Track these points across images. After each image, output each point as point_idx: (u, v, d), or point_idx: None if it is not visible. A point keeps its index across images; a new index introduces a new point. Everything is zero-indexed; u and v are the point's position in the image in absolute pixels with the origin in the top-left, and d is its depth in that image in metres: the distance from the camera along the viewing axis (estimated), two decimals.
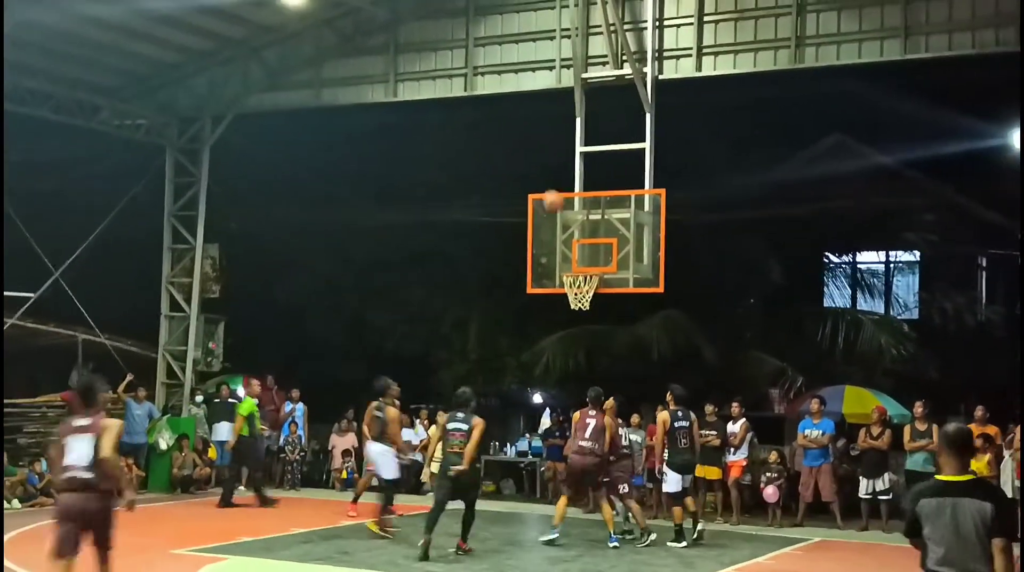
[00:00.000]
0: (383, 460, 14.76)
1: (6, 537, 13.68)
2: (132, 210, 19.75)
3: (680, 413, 14.55)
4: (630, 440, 15.46)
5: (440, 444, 13.51)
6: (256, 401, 17.79)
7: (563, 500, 14.21)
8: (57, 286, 19.10)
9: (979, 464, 14.90)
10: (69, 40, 17.13)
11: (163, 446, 18.92)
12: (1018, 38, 14.02)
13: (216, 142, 19.96)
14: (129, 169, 20.38)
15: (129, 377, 19.18)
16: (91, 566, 8.99)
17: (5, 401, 18.10)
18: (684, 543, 13.97)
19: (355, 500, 16.13)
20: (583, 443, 13.91)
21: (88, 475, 8.80)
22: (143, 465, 18.78)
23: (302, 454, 20.01)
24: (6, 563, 12.09)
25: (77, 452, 8.84)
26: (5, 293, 18.41)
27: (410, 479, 18.22)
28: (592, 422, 13.94)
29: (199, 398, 20.18)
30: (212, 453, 19.53)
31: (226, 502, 17.23)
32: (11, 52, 16.38)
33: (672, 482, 14.44)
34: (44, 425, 18.57)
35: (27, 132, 19.80)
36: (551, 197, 15.22)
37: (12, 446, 17.69)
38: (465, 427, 13.03)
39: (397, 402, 15.11)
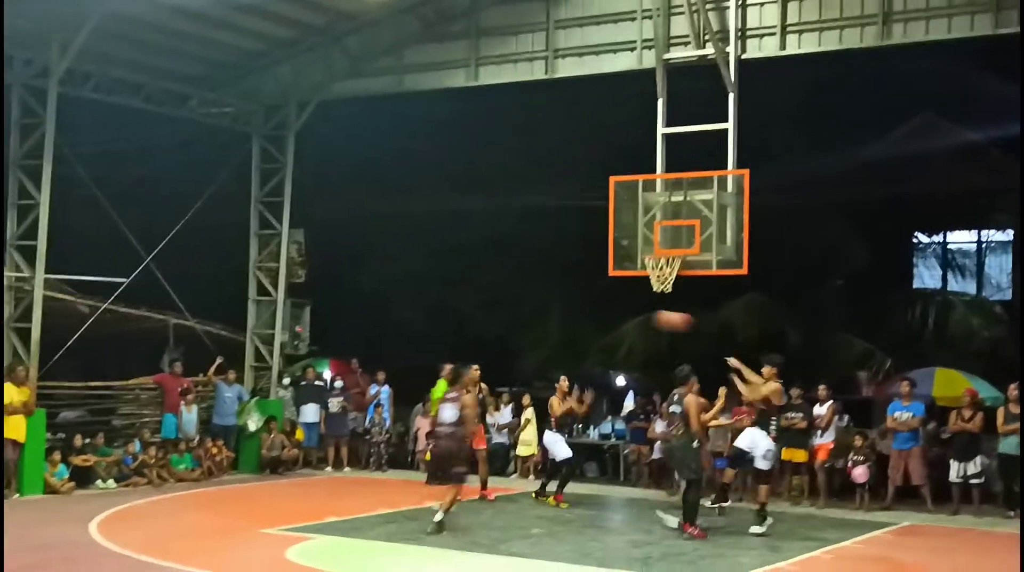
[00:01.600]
0: (556, 444, 16.01)
1: (102, 516, 14.09)
2: (220, 196, 20.09)
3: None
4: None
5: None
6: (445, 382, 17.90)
7: None
8: (148, 272, 19.52)
9: None
10: (157, 30, 17.44)
11: (252, 428, 19.27)
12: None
13: (301, 129, 20.21)
14: (217, 156, 20.72)
15: (219, 360, 19.57)
16: None
17: (100, 384, 18.64)
18: (763, 528, 13.59)
19: (484, 485, 16.31)
20: None
21: (453, 429, 13.37)
22: (233, 446, 19.14)
23: (387, 436, 20.22)
24: (102, 540, 12.46)
25: (447, 414, 13.47)
26: (98, 279, 18.90)
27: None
28: None
29: (286, 381, 20.51)
30: (299, 435, 19.85)
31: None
32: (101, 43, 16.78)
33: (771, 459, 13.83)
34: (137, 407, 18.99)
35: (117, 122, 20.28)
36: (666, 318, 15.28)
37: (107, 428, 18.17)
38: (679, 409, 13.53)
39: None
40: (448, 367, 17.50)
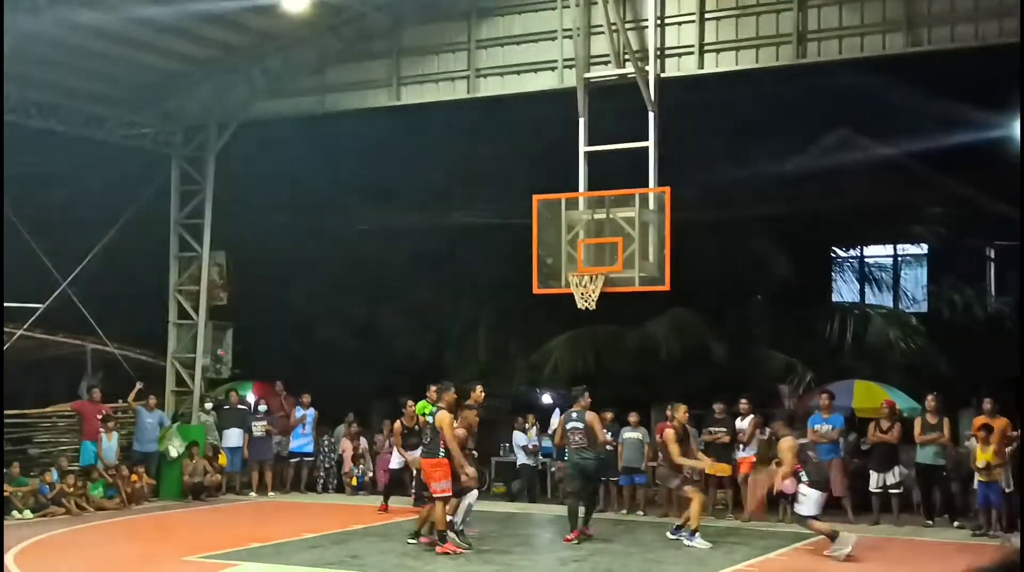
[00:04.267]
0: None
1: (18, 547, 13.74)
2: (139, 219, 19.77)
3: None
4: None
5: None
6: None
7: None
8: (65, 296, 19.14)
9: (986, 455, 14.87)
10: (73, 52, 17.16)
11: (174, 454, 18.95)
12: (1020, 29, 13.98)
13: (221, 150, 19.98)
14: (135, 179, 20.41)
15: (139, 386, 19.22)
16: None
17: (16, 412, 18.20)
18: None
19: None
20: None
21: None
22: (154, 473, 18.80)
23: (310, 458, 20.07)
24: None
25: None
26: (13, 305, 18.49)
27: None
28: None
29: (209, 405, 20.18)
30: (222, 460, 19.54)
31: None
32: (16, 65, 16.42)
33: (810, 504, 13.42)
34: (55, 435, 18.56)
35: (34, 145, 19.86)
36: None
37: (23, 457, 17.73)
38: (581, 425, 14.25)
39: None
40: (433, 388, 17.23)
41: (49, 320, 19.11)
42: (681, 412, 14.63)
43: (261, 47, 18.54)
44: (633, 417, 17.10)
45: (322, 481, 20.05)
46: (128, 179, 20.57)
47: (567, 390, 22.39)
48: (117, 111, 19.29)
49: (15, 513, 16.44)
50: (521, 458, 19.20)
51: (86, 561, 13.13)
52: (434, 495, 13.34)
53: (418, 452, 14.82)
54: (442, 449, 13.29)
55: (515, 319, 23.26)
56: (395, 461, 17.68)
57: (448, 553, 13.07)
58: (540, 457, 19.48)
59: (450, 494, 13.41)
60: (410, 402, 16.74)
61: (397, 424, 16.98)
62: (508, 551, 13.58)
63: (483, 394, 15.79)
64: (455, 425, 13.69)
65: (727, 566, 12.69)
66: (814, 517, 13.54)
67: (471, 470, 13.49)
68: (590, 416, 14.46)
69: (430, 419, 13.96)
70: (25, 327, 18.54)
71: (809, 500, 13.43)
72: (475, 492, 13.73)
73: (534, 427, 19.38)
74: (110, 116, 19.20)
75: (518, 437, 19.19)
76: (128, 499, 17.86)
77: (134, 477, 18.17)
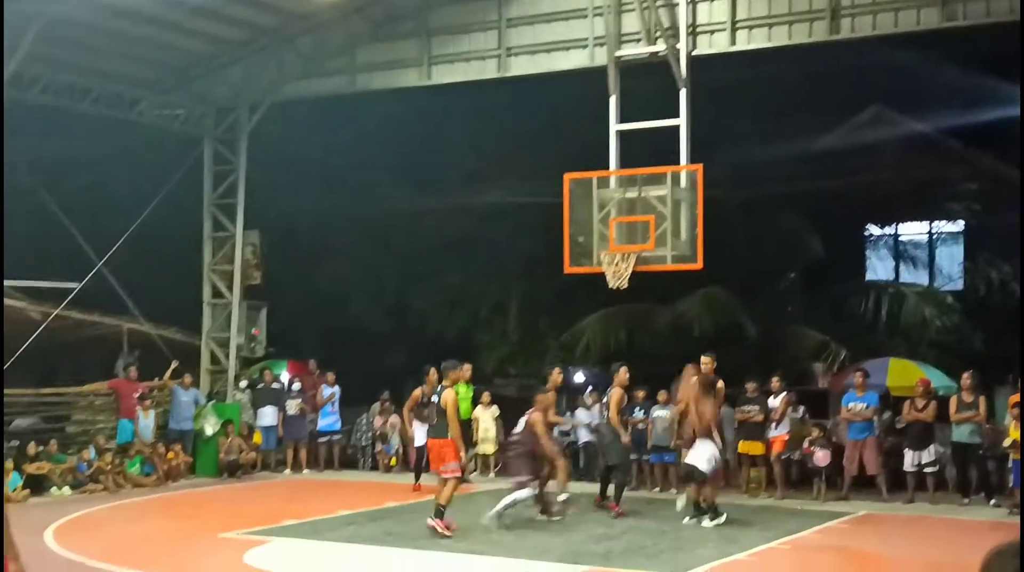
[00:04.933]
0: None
1: (57, 524, 13.93)
2: (173, 200, 19.91)
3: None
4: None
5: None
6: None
7: None
8: (101, 277, 19.31)
9: (1017, 433, 14.75)
10: (105, 34, 17.27)
11: (209, 432, 19.14)
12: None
13: (253, 130, 20.07)
14: (169, 159, 20.55)
15: (174, 364, 19.41)
16: None
17: (54, 390, 18.45)
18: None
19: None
20: None
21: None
22: (190, 451, 19.00)
23: (339, 436, 20.21)
24: (59, 548, 12.32)
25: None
26: (50, 284, 18.71)
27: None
28: None
29: (243, 384, 20.35)
30: (257, 438, 19.72)
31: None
32: (48, 47, 16.58)
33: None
34: (91, 413, 18.82)
35: (67, 127, 20.05)
36: None
37: (61, 435, 17.98)
38: (607, 400, 14.83)
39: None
40: (466, 366, 16.82)
41: (85, 300, 19.29)
42: (705, 362, 14.49)
43: (291, 28, 18.59)
44: (663, 395, 17.05)
45: (361, 460, 20.15)
46: (161, 160, 20.71)
47: (599, 369, 22.49)
48: (149, 93, 19.43)
49: (54, 490, 16.68)
50: (583, 436, 18.88)
51: (124, 537, 13.28)
52: (442, 476, 13.07)
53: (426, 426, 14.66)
54: (449, 430, 13.00)
55: (546, 298, 23.29)
56: (419, 438, 16.77)
57: (435, 529, 12.77)
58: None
59: (460, 475, 13.18)
60: (433, 370, 15.99)
61: (417, 391, 16.07)
62: (544, 528, 13.62)
63: (561, 376, 15.90)
64: (531, 410, 14.07)
65: (760, 544, 12.67)
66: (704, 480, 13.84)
67: (562, 462, 14.17)
68: (612, 392, 14.77)
69: (435, 397, 13.47)
70: (62, 307, 18.72)
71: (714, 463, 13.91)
72: (529, 490, 13.60)
73: (597, 404, 19.11)
74: (142, 98, 19.33)
75: (581, 414, 18.91)
76: (165, 476, 18.07)
77: (171, 455, 18.39)
